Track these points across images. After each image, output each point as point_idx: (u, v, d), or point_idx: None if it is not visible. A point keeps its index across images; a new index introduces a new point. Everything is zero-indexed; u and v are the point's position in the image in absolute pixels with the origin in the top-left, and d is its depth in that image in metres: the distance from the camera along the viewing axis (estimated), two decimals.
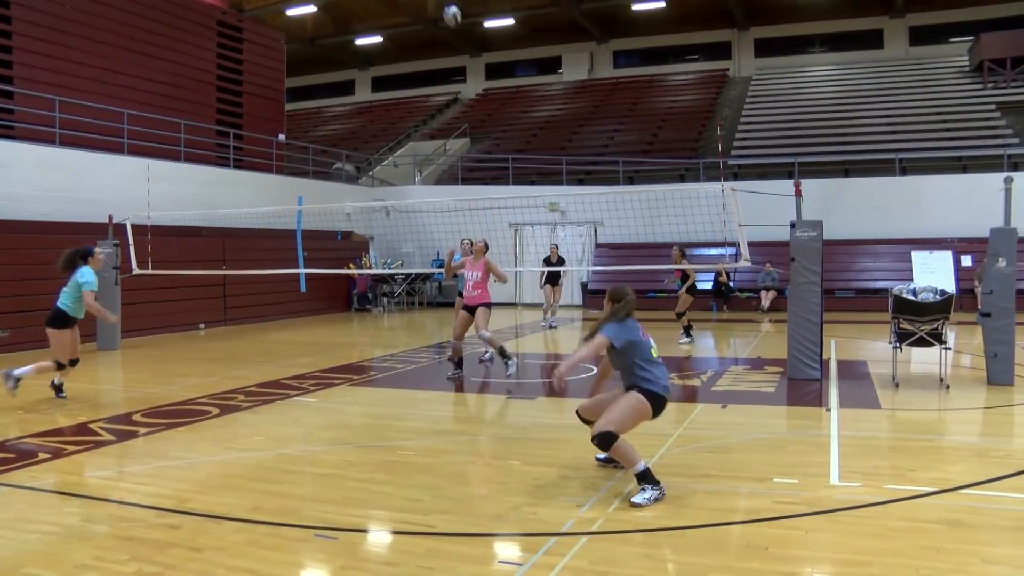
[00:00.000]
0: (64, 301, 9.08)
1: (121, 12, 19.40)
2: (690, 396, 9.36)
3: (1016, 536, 4.67)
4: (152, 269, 14.76)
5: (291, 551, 4.59)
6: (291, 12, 31.68)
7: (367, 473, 6.14)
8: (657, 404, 5.68)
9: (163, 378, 10.99)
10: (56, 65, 17.76)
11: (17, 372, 8.90)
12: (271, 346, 15.07)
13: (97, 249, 9.50)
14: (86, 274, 9.08)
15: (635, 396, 5.63)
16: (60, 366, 9.12)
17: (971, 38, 28.88)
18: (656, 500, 5.30)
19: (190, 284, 16.82)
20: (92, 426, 7.83)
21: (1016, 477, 5.81)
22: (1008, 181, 10.00)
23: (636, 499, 5.29)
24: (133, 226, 14.91)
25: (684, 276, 14.70)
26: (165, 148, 18.86)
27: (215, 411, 8.60)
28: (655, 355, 5.82)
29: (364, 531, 5.01)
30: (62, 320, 9.09)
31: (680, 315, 14.84)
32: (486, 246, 10.99)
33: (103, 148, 17.36)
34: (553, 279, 18.39)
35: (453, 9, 13.27)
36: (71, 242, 14.99)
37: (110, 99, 18.25)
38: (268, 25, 27.40)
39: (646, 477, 5.39)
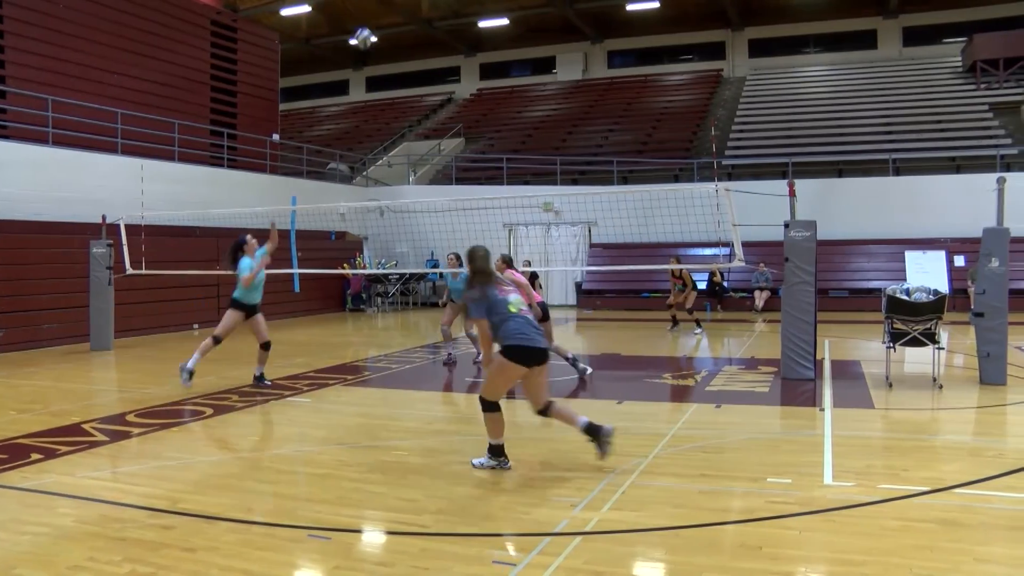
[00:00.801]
0: (235, 292, 10.11)
1: (115, 11, 19.36)
2: (684, 396, 9.38)
3: (1009, 535, 4.68)
4: (146, 269, 14.72)
5: (285, 551, 4.58)
6: (285, 12, 31.67)
7: (361, 473, 6.14)
8: (518, 356, 5.85)
9: (157, 378, 10.97)
10: (49, 64, 17.71)
11: (189, 364, 9.91)
12: None
13: (248, 237, 10.27)
14: (242, 264, 9.96)
15: (495, 358, 5.95)
16: (217, 341, 10.02)
17: (964, 39, 28.97)
18: (488, 467, 6.05)
19: (184, 284, 16.78)
20: (85, 426, 7.81)
21: (1009, 476, 5.82)
22: (1001, 181, 10.03)
23: (474, 460, 6.15)
24: (127, 226, 14.86)
25: (684, 282, 16.36)
26: (159, 148, 18.82)
27: (209, 411, 8.59)
28: (514, 309, 5.94)
29: (358, 531, 5.01)
30: (237, 306, 10.09)
31: (691, 311, 16.51)
32: (503, 261, 10.25)
33: (97, 148, 17.33)
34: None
35: (366, 32, 13.61)
36: (64, 242, 15.07)
37: (104, 99, 18.21)
38: (262, 25, 27.38)
39: (494, 451, 6.08)
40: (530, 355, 5.87)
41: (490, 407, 6.02)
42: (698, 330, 16.30)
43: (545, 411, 6.11)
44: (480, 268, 6.12)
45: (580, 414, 6.14)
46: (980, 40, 27.52)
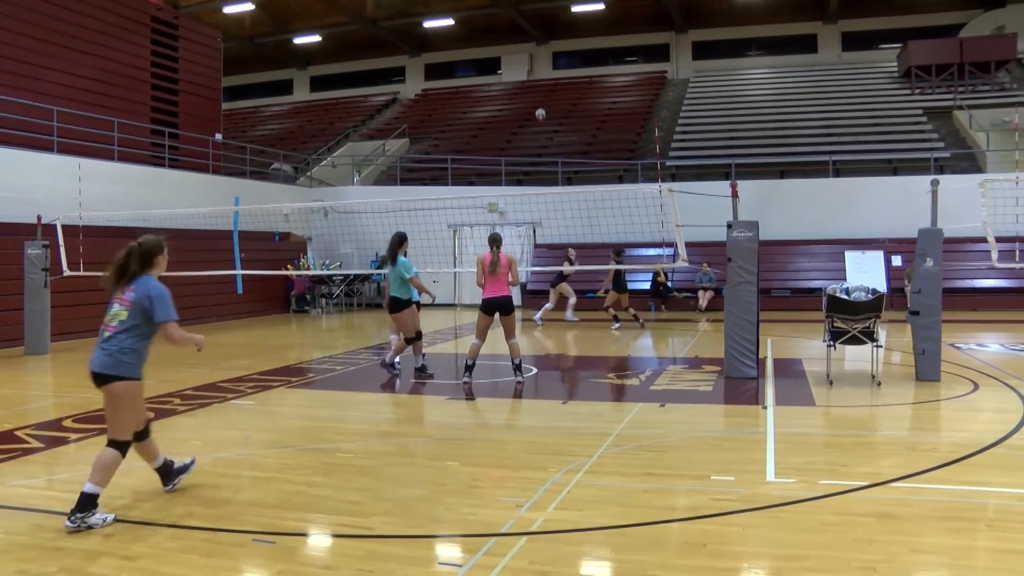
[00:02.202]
0: (393, 291, 10.82)
1: (51, 6, 18.89)
2: (629, 395, 9.45)
3: (941, 525, 4.81)
4: (84, 271, 14.39)
5: (228, 557, 4.52)
6: (228, 9, 31.25)
7: (305, 476, 6.07)
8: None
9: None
10: None
11: (417, 363, 11.01)
12: (207, 349, 14.70)
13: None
14: (405, 262, 10.80)
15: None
16: (410, 341, 10.94)
17: (900, 45, 29.70)
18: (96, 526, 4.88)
19: None
20: (19, 433, 7.60)
21: (942, 469, 5.98)
22: (935, 184, 10.30)
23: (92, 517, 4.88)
24: (64, 226, 14.52)
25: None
26: (97, 147, 18.40)
27: (150, 415, 8.39)
28: (109, 321, 5.25)
29: (303, 535, 4.95)
30: (400, 304, 10.80)
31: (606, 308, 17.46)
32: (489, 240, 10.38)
33: (32, 146, 16.88)
34: None
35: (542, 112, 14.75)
36: None
37: (39, 95, 17.75)
38: (205, 23, 26.93)
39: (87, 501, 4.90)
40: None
41: (119, 445, 5.18)
42: (616, 325, 17.28)
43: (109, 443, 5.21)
44: (112, 280, 5.42)
45: (100, 481, 5.03)
46: (914, 47, 28.26)
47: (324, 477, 6.05)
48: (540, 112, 14.78)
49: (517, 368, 10.28)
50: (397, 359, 11.28)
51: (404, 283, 10.69)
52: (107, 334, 5.17)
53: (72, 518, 4.80)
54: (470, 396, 9.63)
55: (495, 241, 10.24)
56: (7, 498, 5.52)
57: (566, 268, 17.44)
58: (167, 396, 9.55)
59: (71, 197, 15.38)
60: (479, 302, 10.27)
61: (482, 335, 10.34)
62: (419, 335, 11.04)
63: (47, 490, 5.86)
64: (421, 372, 10.91)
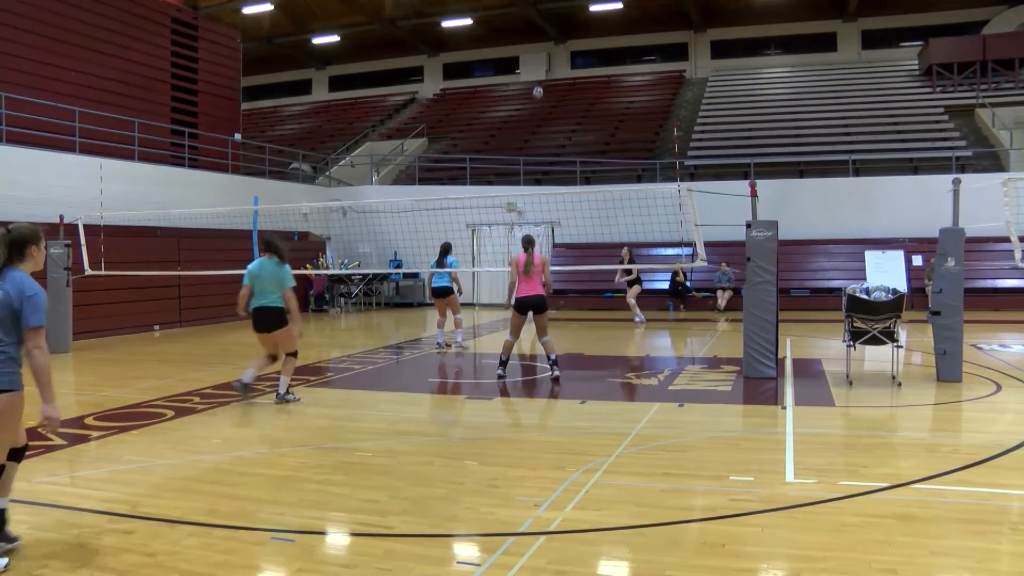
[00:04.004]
0: (272, 301, 9.16)
1: (72, 7, 19.02)
2: (647, 395, 9.42)
3: (962, 528, 4.77)
4: (105, 270, 14.52)
5: (247, 554, 4.54)
6: (247, 10, 31.39)
7: (324, 475, 6.10)
8: None
9: (116, 381, 10.81)
10: (4, 61, 17.35)
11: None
12: (227, 347, 14.91)
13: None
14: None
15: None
16: (273, 358, 9.30)
17: (920, 43, 29.46)
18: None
19: (144, 285, 16.55)
20: (43, 430, 7.66)
21: (963, 471, 5.93)
22: (956, 183, 10.22)
23: None
24: (85, 226, 14.65)
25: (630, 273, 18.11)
26: (118, 147, 18.53)
27: (170, 414, 8.48)
28: None
29: (321, 533, 4.97)
30: (278, 319, 9.17)
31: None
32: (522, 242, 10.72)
33: (53, 146, 17.02)
34: None
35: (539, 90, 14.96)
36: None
37: (61, 96, 17.89)
38: (224, 23, 27.07)
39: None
40: None
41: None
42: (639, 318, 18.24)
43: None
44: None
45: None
46: (935, 45, 28.02)
47: (343, 476, 6.07)
48: (538, 91, 14.67)
49: (554, 363, 10.45)
50: (459, 336, 13.32)
51: (280, 291, 9.04)
52: None
53: None
54: (504, 392, 9.75)
55: (530, 243, 10.53)
56: (31, 494, 5.58)
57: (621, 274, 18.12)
58: (187, 395, 9.62)
59: (92, 197, 15.51)
60: (501, 301, 10.47)
61: (516, 333, 10.52)
62: (295, 354, 9.33)
63: (70, 487, 5.92)
64: (245, 390, 9.13)
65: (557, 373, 10.40)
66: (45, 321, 4.37)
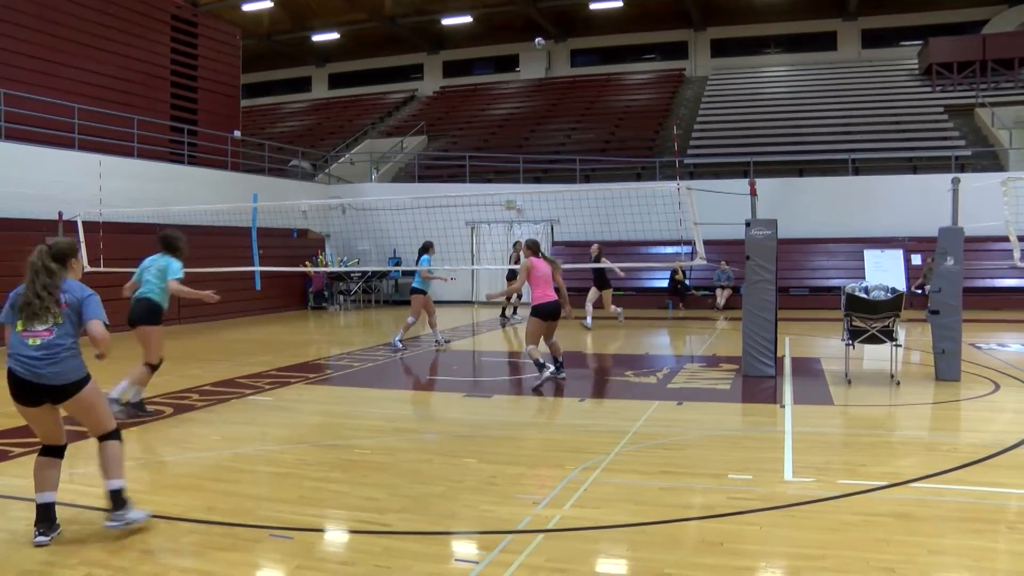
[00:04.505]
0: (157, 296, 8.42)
1: (72, 4, 19.02)
2: (646, 393, 9.42)
3: (961, 527, 4.78)
4: (104, 267, 14.50)
5: (246, 551, 4.54)
6: (247, 7, 31.37)
7: (323, 472, 6.10)
8: (8, 385, 4.63)
9: (115, 377, 10.77)
10: (4, 57, 17.34)
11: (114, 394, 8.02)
12: (226, 344, 14.91)
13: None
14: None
15: None
16: (153, 367, 8.35)
17: (920, 42, 29.46)
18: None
19: None
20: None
21: (961, 470, 5.94)
22: (955, 182, 10.23)
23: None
24: (84, 223, 14.63)
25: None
26: (117, 144, 18.52)
27: (169, 411, 8.48)
28: (20, 327, 4.66)
29: (320, 530, 4.98)
30: (152, 313, 8.44)
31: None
32: (527, 247, 10.20)
33: (53, 143, 17.01)
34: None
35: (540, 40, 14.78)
36: (18, 239, 14.76)
37: (60, 93, 17.88)
38: (224, 20, 27.04)
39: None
40: (16, 388, 4.63)
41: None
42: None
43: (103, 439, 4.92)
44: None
45: (119, 476, 4.87)
46: (935, 44, 28.03)
47: (342, 473, 6.07)
48: (538, 41, 14.61)
49: (560, 365, 10.17)
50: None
51: (163, 283, 8.35)
52: (27, 341, 4.62)
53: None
54: (503, 390, 9.67)
55: (539, 247, 10.16)
56: (29, 491, 5.56)
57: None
58: (186, 391, 9.62)
59: (92, 194, 15.49)
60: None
61: (537, 339, 9.95)
62: (153, 367, 8.41)
63: (68, 483, 5.89)
64: (138, 408, 8.26)
65: (563, 375, 10.17)
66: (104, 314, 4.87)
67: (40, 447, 4.84)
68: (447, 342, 14.23)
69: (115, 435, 4.93)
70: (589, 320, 16.89)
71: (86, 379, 4.73)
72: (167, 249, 8.36)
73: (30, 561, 4.33)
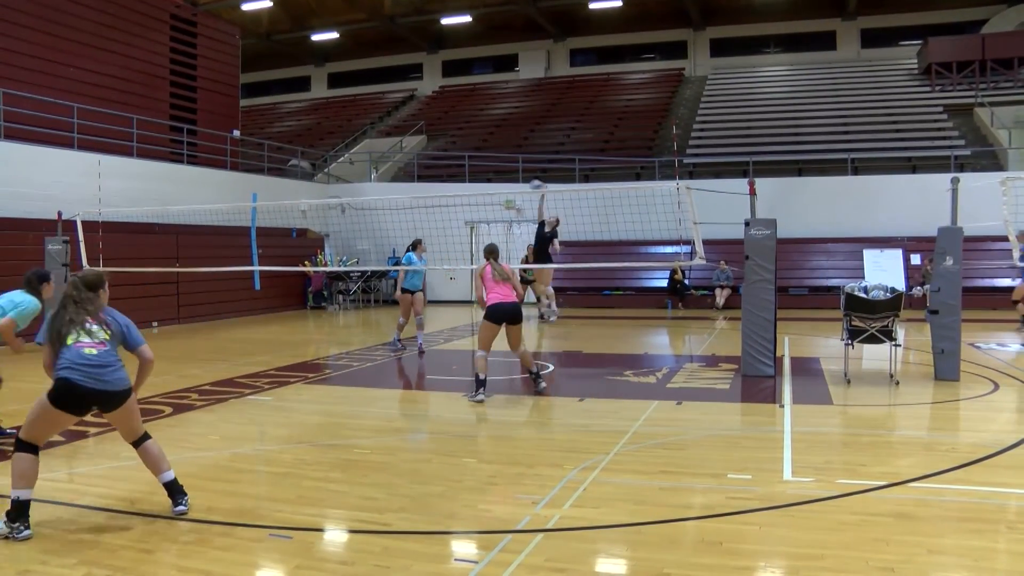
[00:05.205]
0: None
1: (71, 4, 19.00)
2: (645, 393, 9.42)
3: (959, 526, 4.78)
4: (103, 266, 14.48)
5: (245, 551, 4.54)
6: (246, 7, 31.35)
7: (322, 472, 6.10)
8: (59, 393, 4.82)
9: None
10: (2, 57, 17.33)
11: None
12: (225, 344, 14.91)
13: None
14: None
15: (40, 397, 4.91)
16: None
17: (920, 42, 29.46)
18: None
19: (143, 282, 16.52)
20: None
21: (960, 470, 5.94)
22: (955, 182, 10.23)
23: None
24: (83, 222, 14.63)
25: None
26: (116, 143, 18.51)
27: (168, 410, 8.48)
28: (71, 340, 4.96)
29: (319, 530, 4.98)
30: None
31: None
32: (485, 252, 9.55)
33: (52, 142, 16.99)
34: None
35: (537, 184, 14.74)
36: (18, 239, 14.80)
37: (59, 92, 17.86)
38: (223, 19, 27.00)
39: (16, 510, 4.66)
40: (72, 392, 4.83)
41: (23, 447, 4.84)
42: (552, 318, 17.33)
43: (139, 443, 5.18)
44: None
45: (168, 468, 5.19)
46: (934, 44, 28.02)
47: (341, 473, 6.07)
48: (534, 182, 14.94)
49: (537, 376, 9.53)
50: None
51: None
52: (93, 352, 4.98)
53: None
54: (502, 390, 9.54)
55: (492, 252, 9.47)
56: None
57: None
58: (184, 391, 9.62)
59: (91, 193, 15.47)
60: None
61: (488, 345, 9.24)
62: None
63: (68, 483, 5.91)
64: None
65: (544, 385, 9.51)
66: (40, 337, 5.22)
67: (16, 442, 4.91)
68: (402, 348, 13.46)
69: (148, 436, 5.23)
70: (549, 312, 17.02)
71: (131, 388, 5.12)
72: (26, 286, 7.46)
73: (28, 560, 4.33)
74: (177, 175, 19.85)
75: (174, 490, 5.12)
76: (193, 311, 18.59)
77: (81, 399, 4.86)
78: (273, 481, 5.97)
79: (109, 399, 4.95)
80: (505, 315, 9.14)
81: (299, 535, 4.77)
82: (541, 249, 16.32)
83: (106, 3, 19.92)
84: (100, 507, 5.22)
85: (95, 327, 5.09)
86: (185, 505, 5.09)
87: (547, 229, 16.21)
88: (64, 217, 14.55)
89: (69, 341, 4.95)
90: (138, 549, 4.50)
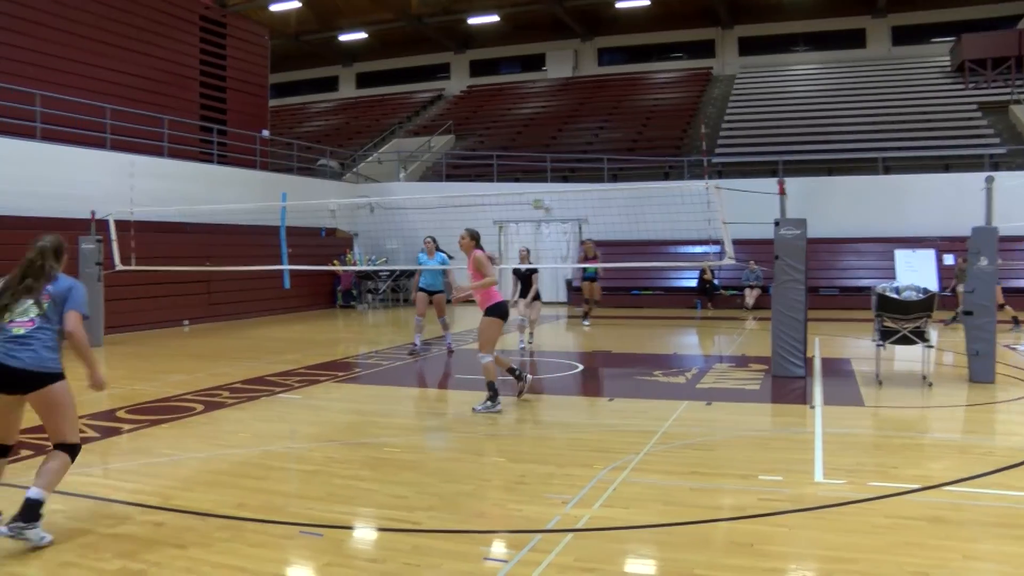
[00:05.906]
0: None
1: (103, 6, 19.24)
2: (675, 393, 9.38)
3: (996, 532, 4.71)
4: (135, 265, 14.66)
5: (276, 548, 4.58)
6: (275, 7, 31.57)
7: (352, 470, 6.13)
8: None
9: (147, 375, 10.93)
10: (36, 59, 17.58)
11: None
12: (256, 343, 15.02)
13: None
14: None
15: None
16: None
17: (952, 39, 29.08)
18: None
19: (174, 280, 16.72)
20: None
21: (997, 474, 5.85)
22: (989, 181, 10.08)
23: None
24: (116, 222, 14.80)
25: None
26: (148, 143, 18.72)
27: (200, 408, 8.56)
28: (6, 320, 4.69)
29: (349, 528, 5.00)
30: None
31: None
32: (471, 237, 8.74)
33: (85, 143, 17.22)
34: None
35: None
36: None
37: (92, 94, 18.10)
38: (252, 20, 27.22)
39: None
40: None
41: None
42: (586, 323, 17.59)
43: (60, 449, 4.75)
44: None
45: (45, 488, 4.60)
46: (968, 40, 27.63)
47: (371, 471, 6.10)
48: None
49: (519, 373, 9.02)
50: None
51: None
52: (23, 332, 4.64)
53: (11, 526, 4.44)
54: (531, 389, 9.24)
55: (478, 238, 8.80)
56: (66, 485, 5.62)
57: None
58: (216, 389, 9.70)
59: (123, 193, 15.64)
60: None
61: (494, 346, 8.62)
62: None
63: (103, 478, 5.99)
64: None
65: (529, 377, 9.12)
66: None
67: None
68: (417, 351, 12.96)
69: (71, 450, 4.76)
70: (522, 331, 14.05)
71: (60, 375, 4.69)
72: None
73: (67, 553, 4.39)
74: (207, 175, 20.04)
75: (29, 512, 4.44)
76: (224, 310, 18.76)
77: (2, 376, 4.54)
78: (303, 479, 6.01)
79: (15, 378, 4.54)
80: (507, 313, 8.83)
81: (329, 532, 4.80)
82: (527, 286, 13.77)
83: (137, 6, 20.15)
84: (134, 502, 5.28)
85: (29, 303, 4.72)
86: (11, 533, 4.40)
87: (523, 270, 13.82)
88: (97, 216, 14.73)
89: (5, 319, 4.66)
90: (172, 544, 4.55)
